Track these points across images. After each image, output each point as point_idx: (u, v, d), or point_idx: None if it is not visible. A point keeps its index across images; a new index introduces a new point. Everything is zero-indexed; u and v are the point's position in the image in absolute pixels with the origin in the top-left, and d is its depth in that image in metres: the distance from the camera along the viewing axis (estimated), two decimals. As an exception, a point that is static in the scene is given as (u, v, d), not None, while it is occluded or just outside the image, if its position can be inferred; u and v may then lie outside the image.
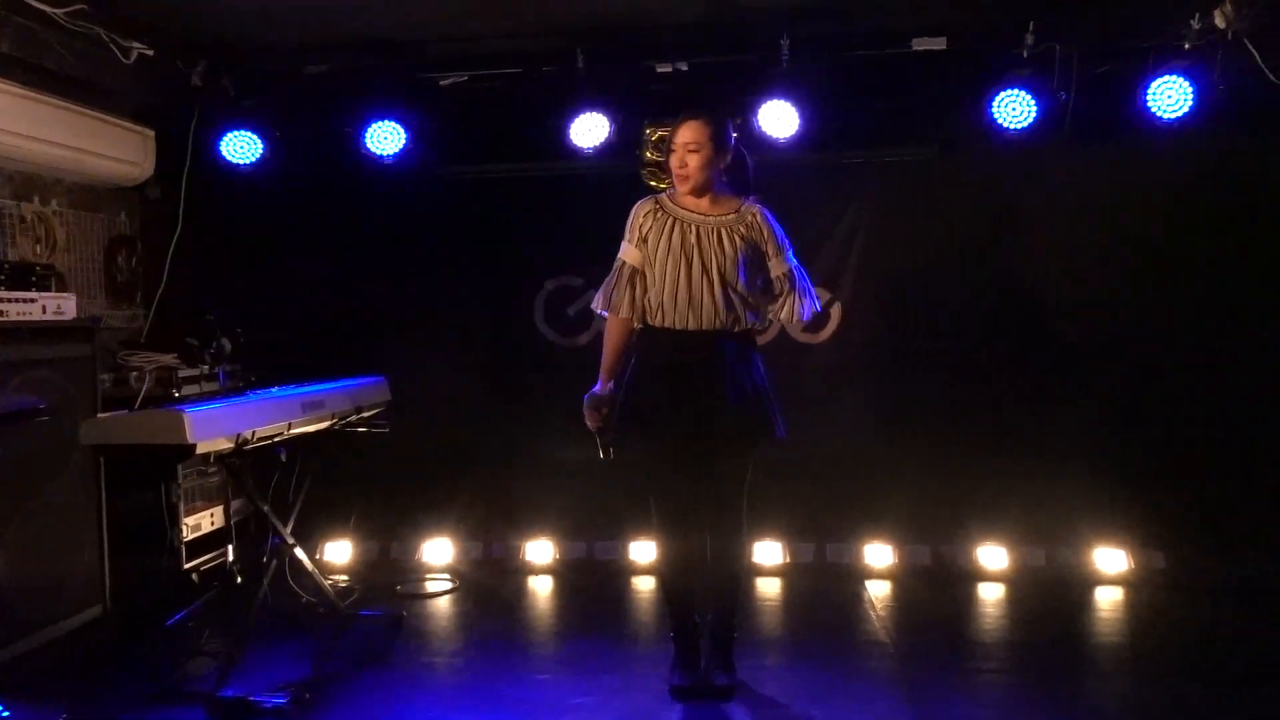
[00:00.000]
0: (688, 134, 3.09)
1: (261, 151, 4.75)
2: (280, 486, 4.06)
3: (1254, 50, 4.29)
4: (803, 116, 4.44)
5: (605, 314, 3.24)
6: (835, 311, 4.90)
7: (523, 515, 4.94)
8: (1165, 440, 4.66)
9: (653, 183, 4.56)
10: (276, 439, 3.51)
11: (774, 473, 4.53)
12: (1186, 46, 4.24)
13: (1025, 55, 4.31)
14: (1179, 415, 4.67)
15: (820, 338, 4.93)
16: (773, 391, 3.20)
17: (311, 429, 3.73)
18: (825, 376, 4.92)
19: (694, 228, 3.11)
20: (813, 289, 3.24)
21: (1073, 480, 4.60)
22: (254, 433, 3.31)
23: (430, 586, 4.56)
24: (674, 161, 3.11)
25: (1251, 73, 4.34)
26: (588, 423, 3.19)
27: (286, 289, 5.01)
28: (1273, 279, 4.64)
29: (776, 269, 3.18)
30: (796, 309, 3.18)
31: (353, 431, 4.02)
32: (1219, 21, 4.11)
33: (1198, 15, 4.14)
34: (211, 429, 3.10)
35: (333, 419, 3.81)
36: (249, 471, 3.91)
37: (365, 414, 4.05)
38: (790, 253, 3.20)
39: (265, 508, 3.79)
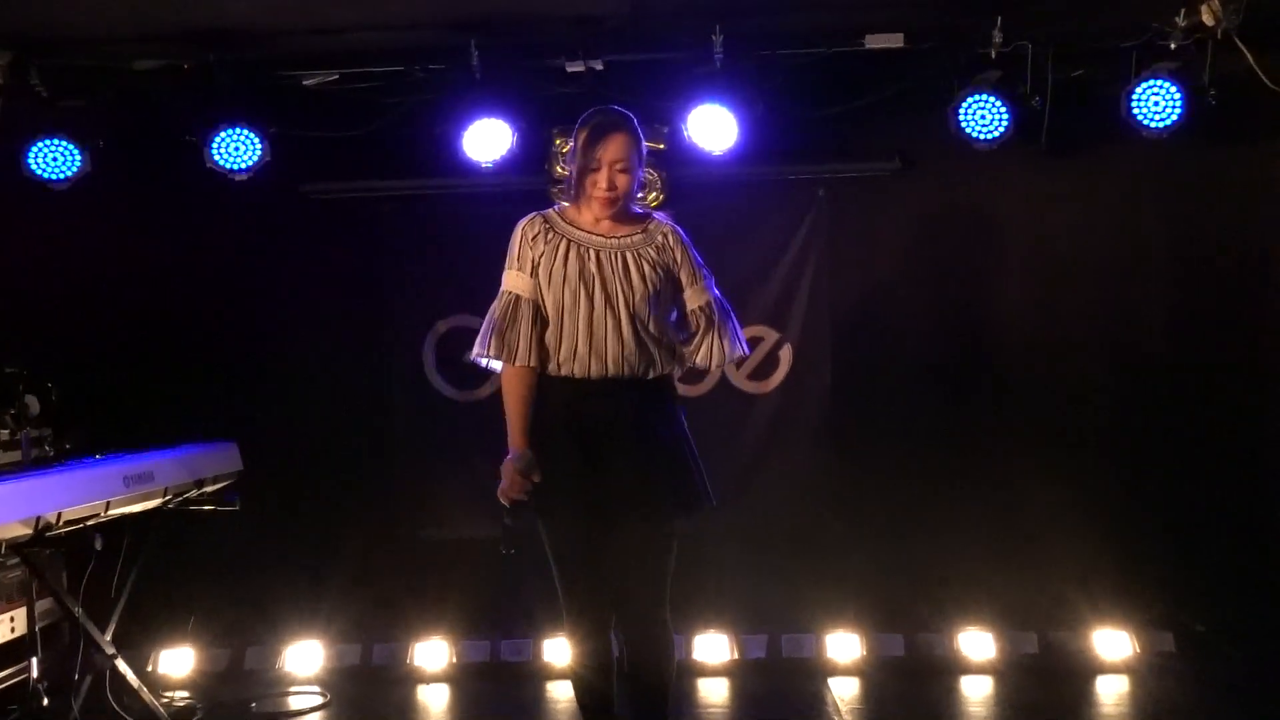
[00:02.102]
0: (617, 150, 3.04)
1: (80, 164, 4.61)
2: (98, 581, 3.93)
3: (1246, 51, 4.46)
4: (741, 125, 4.46)
5: (492, 364, 3.11)
6: (785, 355, 4.91)
7: (410, 609, 4.81)
8: (1174, 504, 4.73)
9: (565, 202, 4.52)
10: (90, 522, 3.41)
11: (716, 550, 4.52)
12: (1172, 47, 4.39)
13: (993, 56, 4.41)
14: (1190, 472, 4.74)
15: (767, 386, 4.92)
16: (697, 450, 3.12)
17: (138, 508, 3.64)
18: (774, 432, 4.92)
19: (593, 252, 3.05)
20: (739, 327, 3.18)
21: (1068, 552, 4.63)
22: (60, 515, 3.21)
23: (294, 703, 4.40)
24: (599, 181, 3.05)
25: (1245, 76, 4.50)
26: (507, 492, 3.01)
27: (112, 335, 4.86)
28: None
29: (693, 300, 3.12)
30: (717, 351, 3.11)
31: (194, 510, 3.90)
32: (1206, 18, 4.26)
33: (1183, 11, 4.28)
34: (1, 511, 2.95)
35: (165, 495, 3.72)
36: (56, 564, 3.75)
37: (209, 488, 3.96)
38: (710, 281, 3.15)
39: (77, 609, 3.68)
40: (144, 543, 3.84)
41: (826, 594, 4.70)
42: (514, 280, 3.09)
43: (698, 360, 3.15)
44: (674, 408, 3.14)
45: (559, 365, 3.04)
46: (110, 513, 3.44)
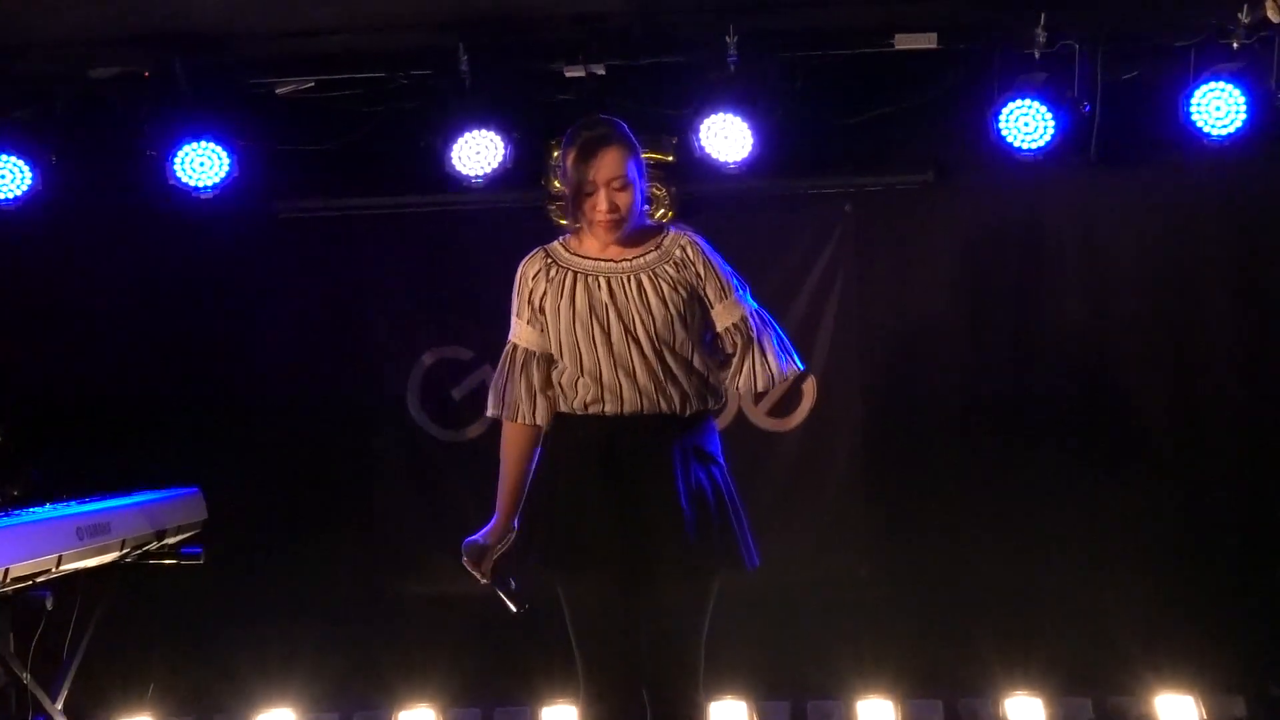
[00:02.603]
0: (611, 166, 3.01)
1: (30, 183, 4.62)
2: (49, 644, 3.93)
3: (1317, 52, 4.50)
4: (758, 135, 4.48)
5: (501, 417, 3.16)
6: (809, 389, 4.91)
7: (394, 674, 4.83)
8: (1246, 552, 4.71)
9: (564, 220, 4.55)
10: (40, 578, 3.40)
11: (732, 605, 4.48)
12: (1234, 46, 4.41)
13: (1037, 56, 4.44)
14: (1263, 516, 4.73)
15: (789, 424, 4.92)
16: (742, 500, 3.12)
17: (92, 563, 3.62)
18: (797, 474, 4.91)
19: (602, 280, 3.04)
20: (785, 339, 3.13)
21: (1127, 607, 4.63)
22: (6, 571, 3.18)
23: (263, 779, 4.38)
24: (597, 204, 3.03)
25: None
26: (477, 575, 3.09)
27: (64, 371, 4.89)
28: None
29: (726, 317, 3.07)
30: (760, 373, 3.06)
31: (154, 564, 3.92)
32: (1271, 14, 4.26)
33: (1246, 6, 4.31)
34: (-59, 567, 2.99)
35: (123, 548, 3.70)
36: (3, 625, 3.79)
37: (171, 540, 3.95)
38: (743, 292, 3.11)
39: (25, 676, 3.66)
40: (99, 601, 3.85)
41: (857, 655, 4.70)
42: (516, 328, 3.10)
43: (740, 385, 3.08)
44: (715, 448, 3.12)
45: (586, 405, 3.04)
46: (62, 568, 3.42)
